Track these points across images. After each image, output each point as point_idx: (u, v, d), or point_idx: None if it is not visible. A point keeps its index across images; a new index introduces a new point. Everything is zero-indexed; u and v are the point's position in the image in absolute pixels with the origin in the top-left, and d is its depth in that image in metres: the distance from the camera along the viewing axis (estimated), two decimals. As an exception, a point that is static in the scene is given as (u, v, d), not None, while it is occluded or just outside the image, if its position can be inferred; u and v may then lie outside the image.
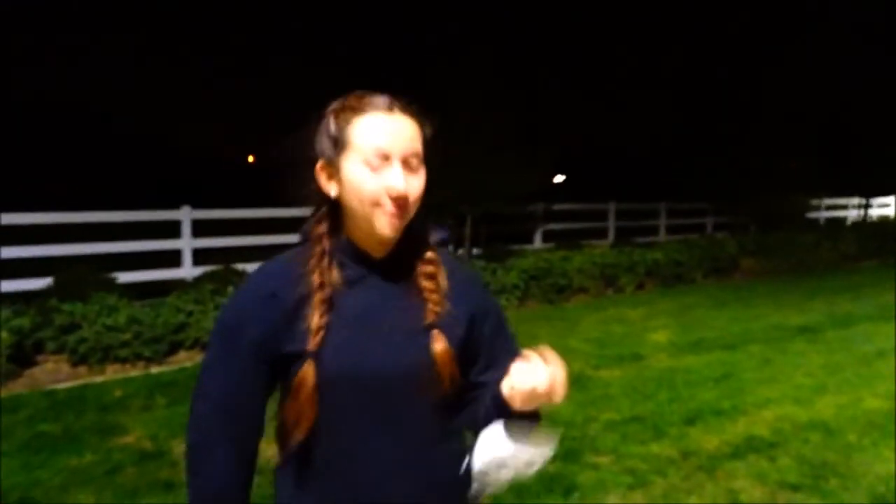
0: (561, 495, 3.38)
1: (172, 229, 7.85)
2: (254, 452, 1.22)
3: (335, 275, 1.15)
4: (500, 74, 9.04)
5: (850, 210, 18.67)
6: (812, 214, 16.93)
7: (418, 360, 1.13)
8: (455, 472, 1.16)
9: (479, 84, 8.62)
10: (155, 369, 5.57)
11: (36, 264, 6.69)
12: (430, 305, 1.15)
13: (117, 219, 7.61)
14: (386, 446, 1.14)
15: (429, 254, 1.20)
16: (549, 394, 1.06)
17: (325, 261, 1.15)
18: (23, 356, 5.37)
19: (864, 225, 16.71)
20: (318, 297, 1.12)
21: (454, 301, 1.19)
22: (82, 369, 5.50)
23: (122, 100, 22.41)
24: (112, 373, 5.49)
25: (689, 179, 13.78)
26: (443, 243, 1.26)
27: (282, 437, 1.19)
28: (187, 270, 7.77)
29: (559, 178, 16.49)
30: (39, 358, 5.57)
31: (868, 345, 6.47)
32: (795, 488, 3.49)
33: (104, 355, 5.56)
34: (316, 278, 1.14)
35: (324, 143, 1.14)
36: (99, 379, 5.31)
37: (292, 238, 1.26)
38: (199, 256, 7.92)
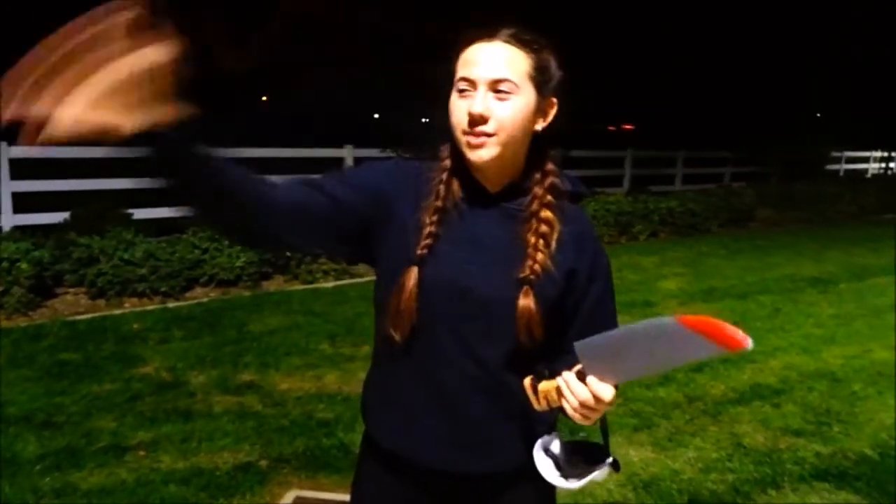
0: (566, 435, 3.43)
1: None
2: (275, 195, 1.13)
3: (454, 192, 1.19)
4: (516, 15, 8.83)
5: (871, 163, 18.38)
6: (832, 166, 16.68)
7: (502, 304, 1.14)
8: (530, 410, 1.16)
9: (499, 24, 8.43)
10: (172, 304, 5.68)
11: (53, 198, 6.75)
12: (530, 262, 1.14)
13: (133, 155, 7.62)
14: (468, 364, 1.17)
15: (547, 212, 1.17)
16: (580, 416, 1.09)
17: (447, 175, 1.19)
18: (43, 287, 5.48)
19: (885, 178, 16.47)
20: (433, 206, 1.17)
21: (558, 258, 1.16)
22: (100, 302, 5.62)
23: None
24: (130, 306, 5.60)
25: (709, 128, 13.56)
26: (574, 196, 1.24)
27: (380, 336, 1.23)
28: (202, 208, 7.80)
29: None
30: (59, 290, 5.68)
31: (881, 297, 6.47)
32: (798, 434, 3.55)
33: (122, 289, 5.67)
34: (436, 190, 1.18)
35: (447, 79, 1.18)
36: (117, 312, 5.43)
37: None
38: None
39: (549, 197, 1.18)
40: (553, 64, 1.17)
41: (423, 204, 1.17)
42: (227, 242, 6.27)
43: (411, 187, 1.20)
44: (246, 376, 4.14)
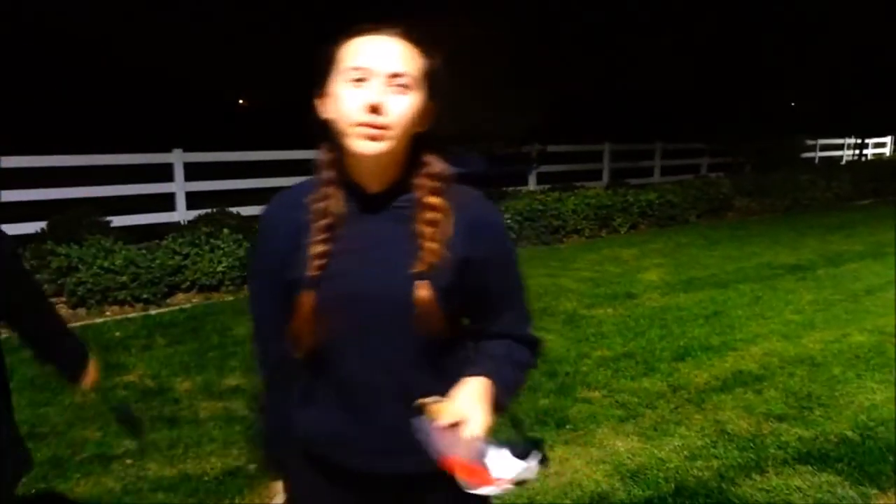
0: (553, 428, 3.48)
1: (165, 172, 7.81)
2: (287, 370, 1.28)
3: (338, 205, 1.16)
4: (496, 13, 8.86)
5: (846, 150, 18.65)
6: (807, 154, 16.90)
7: (401, 301, 1.13)
8: None
9: (476, 23, 8.46)
10: (154, 311, 5.63)
11: (29, 208, 6.67)
12: (423, 253, 1.13)
13: (109, 162, 7.56)
14: (375, 374, 1.18)
15: (433, 198, 1.15)
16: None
17: (329, 189, 1.17)
18: (22, 299, 5.41)
19: (858, 164, 16.72)
20: (318, 226, 1.15)
21: (452, 246, 1.15)
22: (81, 311, 5.56)
23: (114, 38, 21.79)
24: (111, 314, 5.55)
25: (685, 120, 13.68)
26: (463, 178, 1.22)
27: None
28: (181, 214, 7.76)
29: None
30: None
31: (858, 282, 6.57)
32: (780, 419, 3.60)
33: (102, 297, 5.61)
34: (317, 207, 1.16)
35: (319, 71, 1.15)
36: (98, 320, 5.38)
37: (285, 181, 1.27)
38: (193, 199, 7.90)
39: (431, 183, 1.16)
40: (442, 68, 1.16)
41: (310, 225, 1.16)
42: (207, 247, 6.23)
43: (293, 217, 1.18)
44: (231, 381, 4.12)
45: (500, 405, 1.15)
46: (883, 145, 21.16)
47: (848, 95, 14.60)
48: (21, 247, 5.86)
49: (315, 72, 1.16)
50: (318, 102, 1.16)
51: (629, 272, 7.16)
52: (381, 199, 1.17)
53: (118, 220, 6.99)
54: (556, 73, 11.09)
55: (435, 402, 1.11)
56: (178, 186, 7.81)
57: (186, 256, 6.10)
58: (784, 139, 14.12)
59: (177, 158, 7.80)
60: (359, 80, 1.09)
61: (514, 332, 1.25)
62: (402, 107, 1.10)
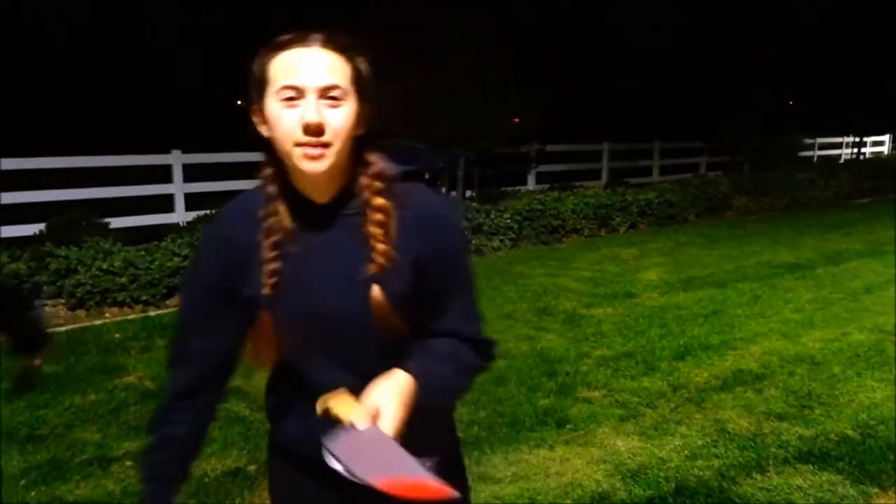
0: (554, 427, 3.48)
1: (164, 173, 7.80)
2: (210, 393, 1.32)
3: (287, 219, 1.15)
4: (494, 12, 8.85)
5: (844, 148, 18.66)
6: (805, 153, 16.90)
7: (358, 308, 1.13)
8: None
9: (474, 23, 8.45)
10: (153, 312, 5.63)
11: (27, 209, 6.66)
12: (374, 255, 1.13)
13: (107, 163, 7.56)
14: (347, 378, 1.16)
15: (378, 199, 1.14)
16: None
17: (274, 205, 1.15)
18: (21, 300, 5.40)
19: (857, 163, 16.72)
20: (268, 242, 1.14)
21: (401, 247, 1.14)
22: (80, 313, 5.56)
23: (112, 40, 21.77)
24: (110, 316, 5.55)
25: (683, 119, 13.69)
26: (410, 176, 1.20)
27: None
28: (180, 215, 7.76)
29: None
30: (37, 302, 5.61)
31: (857, 280, 6.58)
32: (781, 417, 3.60)
33: (101, 299, 5.61)
34: (267, 224, 1.15)
35: (251, 86, 1.13)
36: (98, 322, 5.37)
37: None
38: (192, 200, 7.90)
39: (376, 184, 1.15)
40: (370, 70, 1.14)
41: (260, 242, 1.15)
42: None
43: (243, 234, 1.17)
44: (231, 382, 4.11)
45: (424, 404, 1.10)
46: (881, 143, 21.18)
47: (846, 94, 14.58)
48: (20, 249, 5.86)
49: (248, 87, 1.13)
50: (254, 118, 1.14)
51: (628, 271, 7.16)
52: (329, 208, 1.16)
53: (117, 222, 6.98)
54: (555, 73, 11.06)
55: (338, 396, 1.06)
56: (177, 188, 7.80)
57: (185, 258, 6.09)
58: (782, 138, 14.11)
59: (175, 159, 7.80)
60: (291, 98, 1.07)
61: (461, 330, 1.21)
62: (339, 120, 1.08)
